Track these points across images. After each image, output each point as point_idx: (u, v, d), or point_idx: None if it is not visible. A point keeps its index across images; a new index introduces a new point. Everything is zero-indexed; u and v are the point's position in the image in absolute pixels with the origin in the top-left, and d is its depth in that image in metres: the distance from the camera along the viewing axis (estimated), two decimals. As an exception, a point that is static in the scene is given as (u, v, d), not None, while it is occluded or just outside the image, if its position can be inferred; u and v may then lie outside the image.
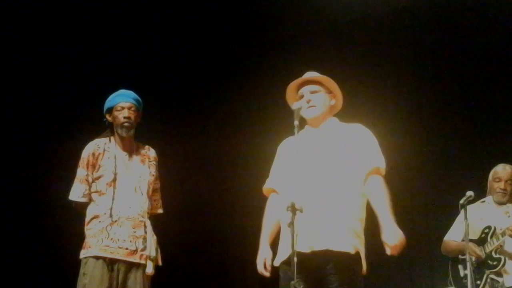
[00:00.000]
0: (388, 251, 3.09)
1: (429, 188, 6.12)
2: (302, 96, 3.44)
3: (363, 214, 3.32)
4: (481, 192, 4.77)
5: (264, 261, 3.30)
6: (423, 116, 6.14)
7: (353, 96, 5.81)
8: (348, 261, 3.17)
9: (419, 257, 6.03)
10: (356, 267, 3.21)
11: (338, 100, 3.52)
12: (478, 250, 4.57)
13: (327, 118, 3.48)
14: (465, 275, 4.50)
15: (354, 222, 3.26)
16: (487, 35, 5.78)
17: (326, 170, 3.28)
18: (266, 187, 3.56)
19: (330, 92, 3.48)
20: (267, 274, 3.30)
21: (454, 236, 4.76)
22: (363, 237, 3.28)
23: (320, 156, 3.32)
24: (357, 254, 3.21)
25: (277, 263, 3.30)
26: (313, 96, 3.41)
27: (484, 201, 4.80)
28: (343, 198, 3.26)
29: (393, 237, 3.07)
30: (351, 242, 3.20)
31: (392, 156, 5.77)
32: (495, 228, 4.59)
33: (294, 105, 3.33)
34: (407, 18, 5.98)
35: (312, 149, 3.33)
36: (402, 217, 5.95)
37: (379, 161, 3.31)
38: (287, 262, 3.13)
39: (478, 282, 4.52)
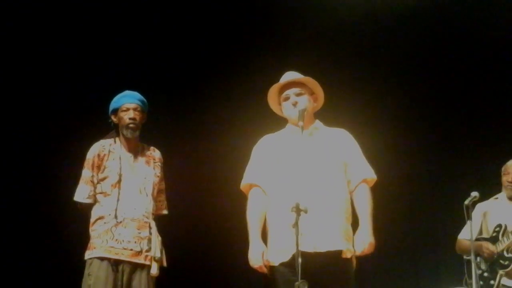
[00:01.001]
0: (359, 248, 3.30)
1: (435, 187, 6.11)
2: (286, 98, 3.50)
3: (351, 218, 3.42)
4: (487, 191, 4.72)
5: (262, 256, 3.30)
6: (427, 114, 6.14)
7: (354, 97, 5.89)
8: (346, 262, 3.29)
9: (424, 257, 6.03)
10: (352, 268, 3.33)
11: (319, 100, 3.58)
12: (491, 246, 4.49)
13: (313, 120, 3.54)
14: (480, 275, 4.46)
15: (348, 225, 3.37)
16: (488, 35, 5.76)
17: (323, 173, 3.33)
18: (247, 182, 3.52)
19: (312, 93, 3.54)
20: (265, 270, 3.31)
21: (467, 235, 4.55)
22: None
23: (318, 158, 3.36)
24: (352, 255, 3.31)
25: (275, 262, 3.29)
26: (298, 99, 3.46)
27: (497, 198, 4.72)
28: (339, 201, 3.35)
29: (362, 244, 3.28)
30: (349, 244, 3.30)
31: (397, 156, 5.88)
32: (506, 226, 4.52)
33: (291, 111, 3.43)
34: (405, 20, 5.98)
35: (308, 151, 3.35)
36: (407, 217, 6.04)
37: (368, 172, 3.48)
38: (287, 263, 3.18)
39: (492, 282, 4.47)
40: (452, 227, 4.90)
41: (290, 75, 3.57)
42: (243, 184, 3.54)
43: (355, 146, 3.51)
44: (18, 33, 5.64)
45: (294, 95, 3.48)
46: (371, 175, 3.48)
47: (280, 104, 3.56)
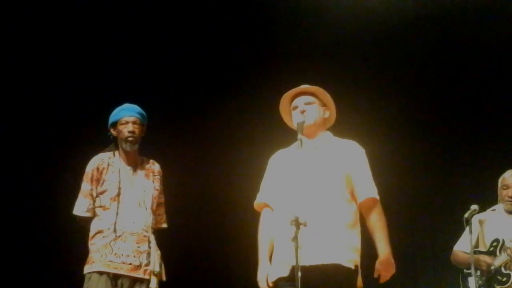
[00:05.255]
0: (377, 274, 3.30)
1: (434, 199, 6.11)
2: (296, 108, 3.45)
3: (359, 228, 3.37)
4: (486, 203, 4.70)
5: (266, 278, 3.28)
6: (427, 126, 6.14)
7: (355, 109, 5.89)
8: (348, 276, 3.22)
9: (424, 268, 6.03)
10: (354, 282, 3.26)
11: (331, 113, 3.52)
12: (488, 258, 4.41)
13: (321, 131, 3.48)
14: None
15: (353, 237, 3.31)
16: (488, 46, 5.78)
17: (326, 186, 3.29)
18: (259, 201, 3.50)
19: (324, 105, 3.49)
20: None
21: (463, 247, 4.57)
22: (360, 251, 3.33)
23: (320, 172, 3.32)
24: (356, 268, 3.26)
25: (273, 278, 3.26)
26: (307, 107, 3.42)
27: (494, 210, 4.62)
28: (342, 213, 3.30)
29: (388, 266, 3.31)
30: (352, 257, 3.24)
31: (397, 167, 5.88)
32: (503, 241, 4.42)
33: (297, 119, 3.36)
34: (408, 30, 6.01)
35: (311, 164, 3.31)
36: (407, 228, 6.04)
37: (373, 191, 3.39)
38: (286, 278, 3.15)
39: None
40: (451, 238, 4.88)
41: (302, 87, 3.52)
42: (256, 203, 3.52)
43: (362, 160, 3.42)
44: (15, 45, 5.65)
45: (303, 104, 3.43)
46: (373, 195, 3.38)
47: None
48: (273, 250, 3.37)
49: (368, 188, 3.38)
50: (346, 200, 3.34)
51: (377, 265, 3.29)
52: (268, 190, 3.48)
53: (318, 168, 3.33)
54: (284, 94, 3.52)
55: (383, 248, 3.29)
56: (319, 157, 3.37)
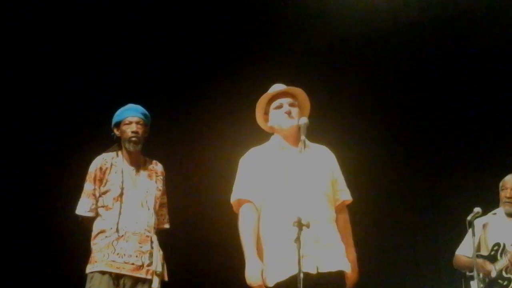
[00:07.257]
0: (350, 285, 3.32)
1: (436, 201, 6.11)
2: (279, 106, 3.41)
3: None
4: (488, 206, 4.70)
5: (261, 274, 3.16)
6: (428, 128, 6.14)
7: (353, 111, 5.90)
8: (344, 281, 3.24)
9: (426, 269, 6.02)
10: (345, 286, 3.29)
11: (305, 115, 3.48)
12: (488, 266, 4.44)
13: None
14: None
15: (342, 242, 3.33)
16: (484, 52, 5.79)
17: (319, 189, 3.30)
18: (237, 198, 3.36)
19: (299, 106, 3.46)
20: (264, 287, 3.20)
21: (465, 251, 4.60)
22: None
23: (312, 175, 3.29)
24: (347, 274, 3.27)
25: (270, 283, 3.17)
26: (292, 109, 3.40)
27: (495, 213, 4.66)
28: (333, 218, 3.34)
29: (354, 275, 3.33)
30: (346, 263, 3.27)
31: (400, 169, 5.87)
32: (504, 245, 4.47)
33: (301, 120, 3.32)
34: (396, 39, 6.04)
35: (303, 166, 3.25)
36: (409, 232, 6.04)
37: (347, 194, 3.48)
38: (283, 283, 3.11)
39: None
40: (453, 241, 4.88)
41: (279, 87, 3.50)
42: (233, 200, 3.38)
43: (337, 164, 3.48)
44: (18, 48, 5.67)
45: (287, 104, 3.40)
46: (349, 197, 3.48)
47: (265, 114, 3.47)
48: (261, 247, 3.29)
49: (346, 191, 3.48)
50: (335, 206, 3.39)
51: (351, 275, 3.28)
52: (248, 188, 3.34)
53: (310, 170, 3.29)
54: (264, 94, 3.47)
55: (353, 255, 3.37)
56: (308, 160, 3.30)
